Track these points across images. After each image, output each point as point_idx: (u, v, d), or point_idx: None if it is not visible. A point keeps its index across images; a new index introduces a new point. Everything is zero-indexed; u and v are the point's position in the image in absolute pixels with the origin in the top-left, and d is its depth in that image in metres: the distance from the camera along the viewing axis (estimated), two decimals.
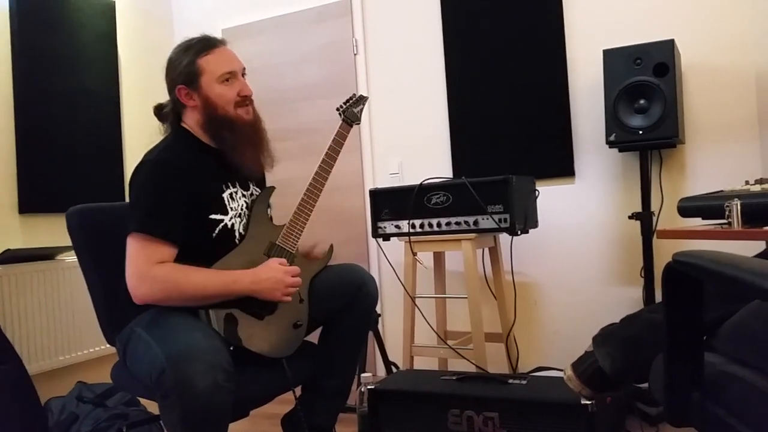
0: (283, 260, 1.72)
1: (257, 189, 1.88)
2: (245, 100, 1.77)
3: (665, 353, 0.98)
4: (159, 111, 1.83)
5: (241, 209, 1.77)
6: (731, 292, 1.13)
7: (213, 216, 1.68)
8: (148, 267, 1.55)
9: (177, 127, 1.79)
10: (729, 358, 1.04)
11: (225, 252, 1.68)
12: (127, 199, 1.69)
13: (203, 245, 1.66)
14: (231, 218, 1.72)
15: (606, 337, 1.41)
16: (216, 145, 1.76)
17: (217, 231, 1.68)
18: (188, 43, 1.76)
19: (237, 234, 1.73)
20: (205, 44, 1.75)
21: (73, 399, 2.41)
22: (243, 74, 1.80)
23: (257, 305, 1.66)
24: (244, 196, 1.80)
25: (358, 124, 2.02)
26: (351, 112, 1.97)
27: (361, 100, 2.02)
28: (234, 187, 1.77)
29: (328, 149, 1.90)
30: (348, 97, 2.00)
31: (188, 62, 1.71)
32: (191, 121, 1.76)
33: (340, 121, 1.95)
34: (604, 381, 1.35)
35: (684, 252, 0.90)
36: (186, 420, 1.40)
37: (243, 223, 1.76)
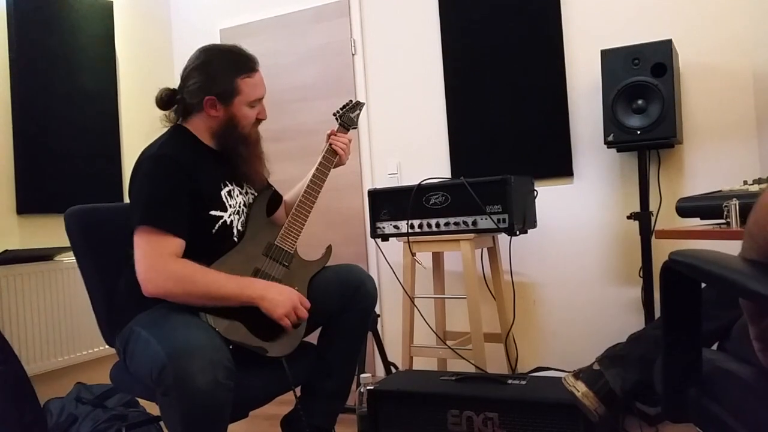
0: (303, 297, 1.70)
1: (251, 188, 1.89)
2: (260, 122, 1.83)
3: (663, 350, 1.00)
4: (170, 97, 1.78)
5: (239, 206, 1.78)
6: (730, 297, 1.15)
7: (213, 212, 1.69)
8: (165, 261, 1.55)
9: (175, 125, 1.79)
10: (735, 357, 1.05)
11: (223, 248, 1.68)
12: (126, 198, 1.69)
13: (203, 241, 1.66)
14: (230, 215, 1.73)
15: (614, 358, 1.49)
16: (224, 153, 1.78)
17: (216, 227, 1.69)
18: (231, 58, 1.76)
19: (235, 231, 1.74)
20: (249, 66, 1.76)
21: (72, 400, 2.40)
22: None
23: (260, 323, 1.63)
24: (240, 194, 1.81)
25: (355, 128, 2.02)
26: (348, 117, 1.99)
27: (358, 105, 2.03)
28: (231, 185, 1.78)
29: (326, 151, 1.91)
30: (345, 103, 2.01)
31: (229, 80, 1.72)
32: (200, 125, 1.76)
33: (338, 125, 1.96)
34: (614, 400, 1.48)
35: (680, 251, 0.91)
36: (186, 417, 1.39)
37: (241, 220, 1.77)
